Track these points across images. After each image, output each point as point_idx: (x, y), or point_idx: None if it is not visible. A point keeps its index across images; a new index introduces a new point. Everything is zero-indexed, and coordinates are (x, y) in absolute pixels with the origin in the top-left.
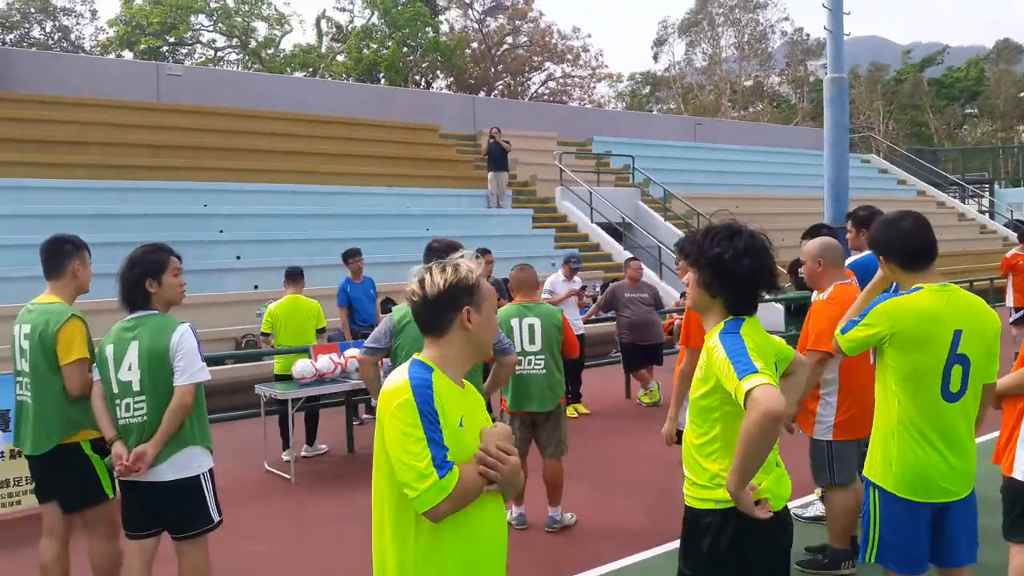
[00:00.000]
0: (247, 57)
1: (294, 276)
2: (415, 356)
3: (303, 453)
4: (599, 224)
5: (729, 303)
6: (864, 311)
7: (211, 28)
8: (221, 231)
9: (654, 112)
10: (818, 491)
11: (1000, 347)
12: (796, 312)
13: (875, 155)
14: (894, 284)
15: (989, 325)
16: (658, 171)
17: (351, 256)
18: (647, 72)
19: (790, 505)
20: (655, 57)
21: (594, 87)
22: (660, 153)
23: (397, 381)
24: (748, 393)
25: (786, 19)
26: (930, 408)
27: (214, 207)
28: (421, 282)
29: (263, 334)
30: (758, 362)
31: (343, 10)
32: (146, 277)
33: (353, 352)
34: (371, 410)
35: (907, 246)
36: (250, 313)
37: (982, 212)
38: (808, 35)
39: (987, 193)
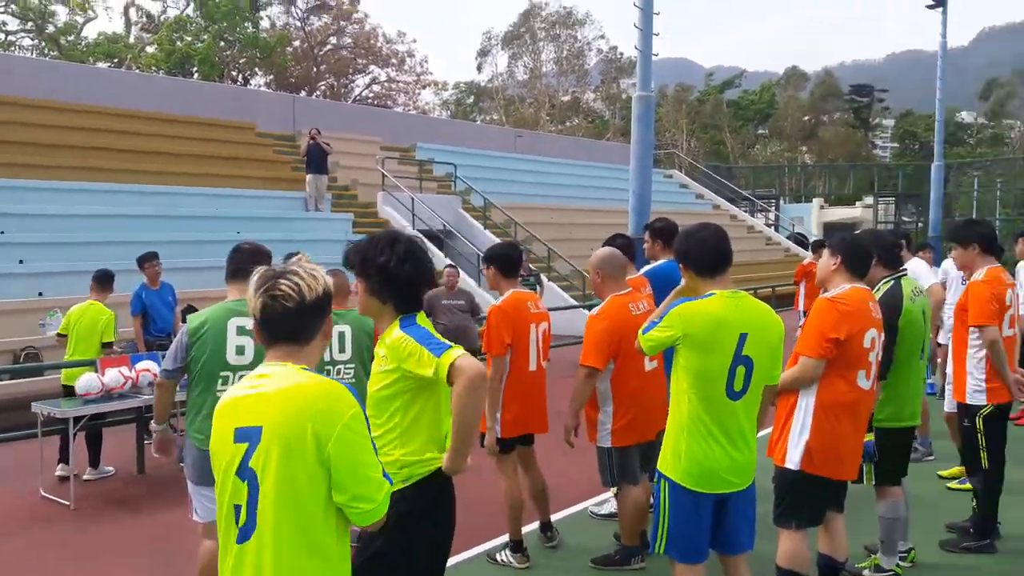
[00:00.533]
0: (44, 43)
1: (102, 280)
2: (289, 365)
3: (86, 476)
4: (421, 231)
5: (398, 304)
6: (663, 313)
7: (2, 9)
8: (1, 232)
9: (477, 122)
10: (613, 489)
11: (785, 349)
12: None
13: (677, 171)
14: None
15: (773, 330)
16: (479, 180)
17: (146, 260)
18: (471, 82)
19: (588, 503)
20: (479, 67)
21: (419, 94)
22: (482, 163)
23: (326, 391)
24: (452, 364)
25: (602, 37)
26: (716, 405)
27: None
28: (297, 287)
29: (58, 335)
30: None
31: None
32: None
33: (147, 365)
34: None
35: (703, 254)
36: (33, 323)
37: (768, 225)
38: (622, 54)
39: (773, 208)
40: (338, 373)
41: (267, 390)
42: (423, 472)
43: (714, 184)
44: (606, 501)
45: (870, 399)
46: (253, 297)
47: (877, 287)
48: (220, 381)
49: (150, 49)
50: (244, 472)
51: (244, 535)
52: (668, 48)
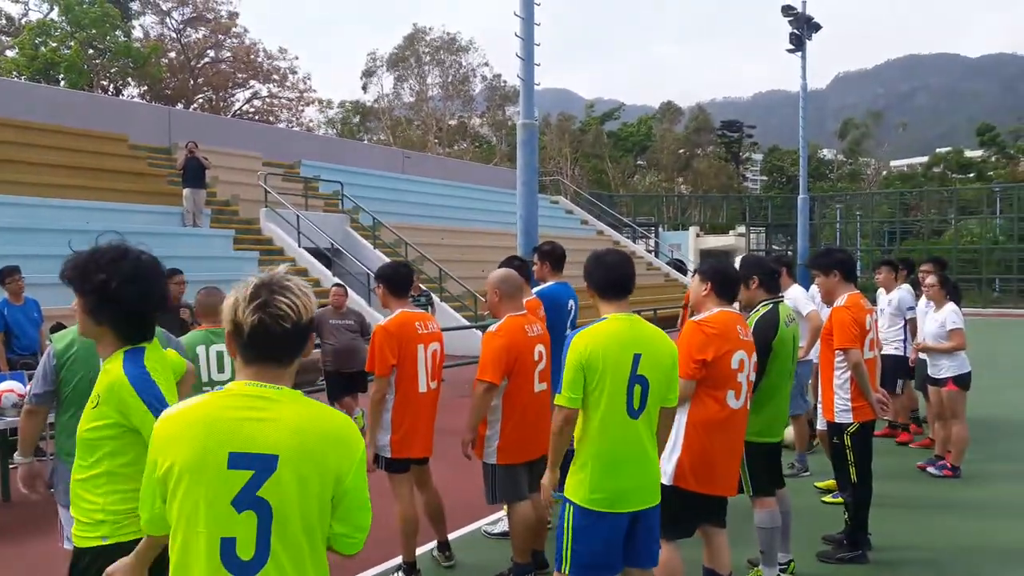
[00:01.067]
0: None
1: None
2: (284, 389)
3: None
4: (307, 249)
5: (120, 331)
6: (561, 361)
7: None
8: None
9: (365, 141)
10: (505, 507)
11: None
12: None
13: (563, 197)
14: None
15: (666, 351)
16: (368, 199)
17: (7, 275)
18: (357, 102)
19: (481, 523)
20: (364, 88)
21: (303, 110)
22: (370, 182)
23: (342, 423)
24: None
25: (486, 64)
26: (617, 425)
27: None
28: (295, 307)
29: None
30: (168, 397)
31: (16, 1)
32: None
33: (10, 385)
34: (36, 452)
35: (608, 278)
36: None
37: (649, 251)
38: (506, 82)
39: (653, 235)
40: None
41: (279, 417)
42: (131, 532)
43: (597, 211)
44: (499, 520)
45: (742, 417)
46: (242, 310)
47: (756, 308)
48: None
49: (10, 53)
50: (249, 502)
51: (251, 570)
52: (550, 78)
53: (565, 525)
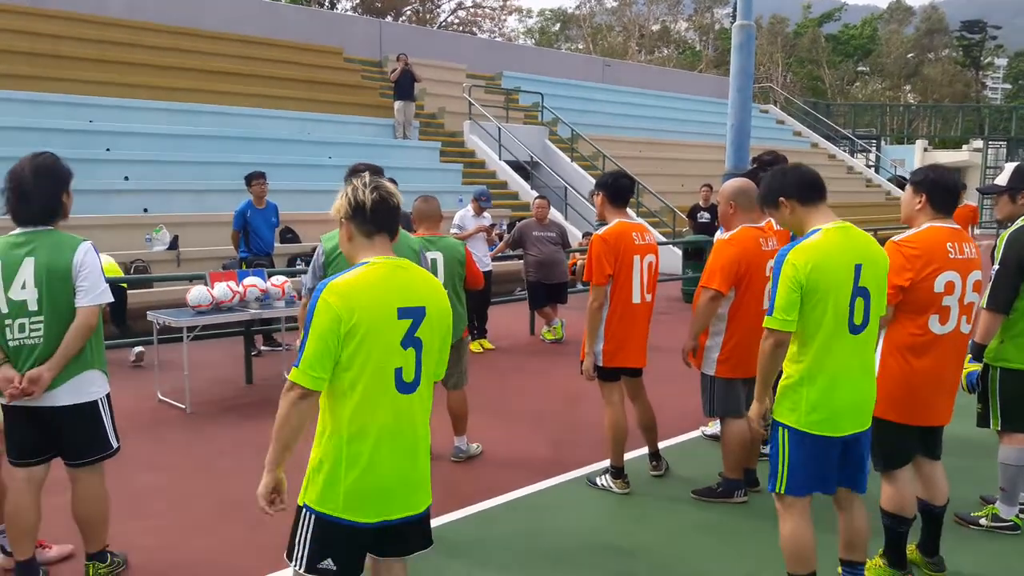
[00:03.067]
0: None
1: None
2: (397, 259)
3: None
4: (507, 162)
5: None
6: (774, 280)
7: None
8: (108, 149)
9: (563, 50)
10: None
11: None
12: (693, 255)
13: (773, 106)
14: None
15: (881, 257)
16: (567, 111)
17: (254, 179)
18: (557, 9)
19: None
20: None
21: (504, 20)
22: (569, 92)
23: (437, 283)
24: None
25: None
26: (839, 343)
27: (99, 123)
28: (393, 190)
29: None
30: None
31: None
32: (63, 189)
33: (253, 281)
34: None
35: (802, 181)
36: (139, 237)
37: (869, 166)
38: None
39: (874, 149)
40: None
41: (415, 280)
42: None
43: (812, 121)
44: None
45: (950, 342)
46: (363, 192)
47: (1016, 223)
48: None
49: None
50: (410, 341)
51: (411, 388)
52: None
53: (780, 448)
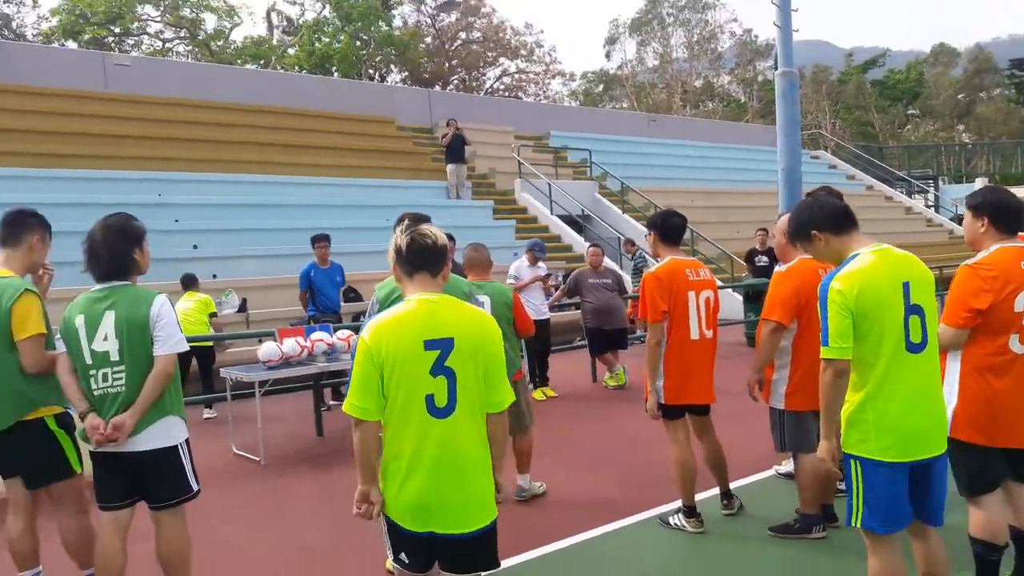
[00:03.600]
0: (195, 49)
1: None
2: (438, 294)
3: (205, 416)
4: (559, 216)
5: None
6: (822, 310)
7: (158, 19)
8: (176, 220)
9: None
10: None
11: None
12: (754, 299)
13: (824, 151)
14: None
15: (926, 273)
16: (614, 165)
17: (317, 241)
18: (600, 70)
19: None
20: (607, 55)
21: (548, 83)
22: (615, 148)
23: (482, 315)
24: None
25: (735, 20)
26: (900, 364)
27: (168, 196)
28: (430, 232)
29: None
30: None
31: (294, 3)
32: (135, 246)
33: (320, 335)
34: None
35: (833, 212)
36: None
37: (928, 206)
38: (756, 36)
39: (932, 189)
40: None
41: (446, 313)
42: None
43: (865, 165)
44: (789, 458)
45: None
46: (400, 237)
47: None
48: None
49: (291, 51)
50: (440, 370)
51: (445, 412)
52: (805, 28)
53: (854, 480)
